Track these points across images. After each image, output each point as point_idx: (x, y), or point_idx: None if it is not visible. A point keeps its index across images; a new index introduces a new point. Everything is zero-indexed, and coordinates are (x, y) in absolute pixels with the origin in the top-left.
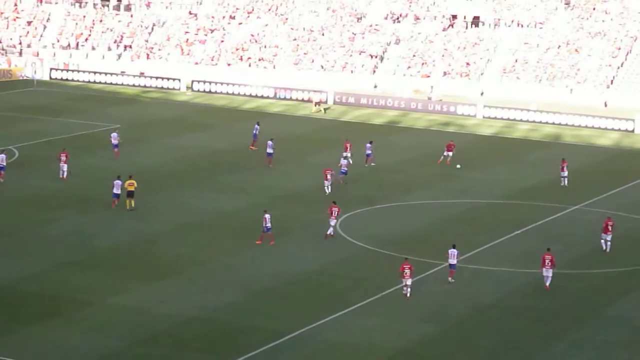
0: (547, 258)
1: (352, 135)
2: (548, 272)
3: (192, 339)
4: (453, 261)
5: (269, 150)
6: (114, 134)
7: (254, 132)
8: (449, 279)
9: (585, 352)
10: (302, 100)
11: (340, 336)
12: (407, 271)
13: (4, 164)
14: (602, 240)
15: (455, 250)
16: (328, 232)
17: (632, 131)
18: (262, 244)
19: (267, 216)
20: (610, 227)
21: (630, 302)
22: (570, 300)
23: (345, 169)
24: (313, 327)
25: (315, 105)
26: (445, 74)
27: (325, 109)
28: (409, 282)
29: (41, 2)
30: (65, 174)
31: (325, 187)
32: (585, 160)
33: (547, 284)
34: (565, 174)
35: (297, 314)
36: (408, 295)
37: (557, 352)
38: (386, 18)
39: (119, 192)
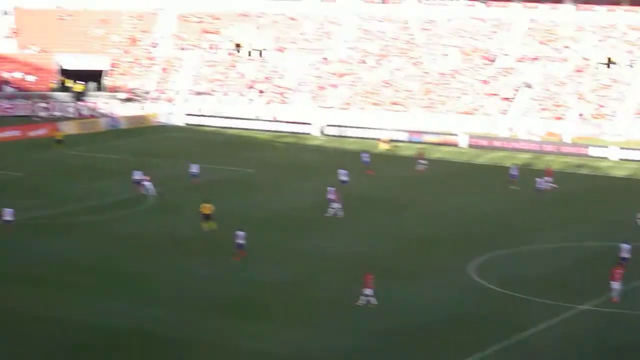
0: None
1: (486, 178)
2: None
3: None
4: (626, 255)
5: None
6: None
7: (365, 159)
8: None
9: None
10: (436, 143)
11: None
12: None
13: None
14: None
15: (628, 245)
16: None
17: None
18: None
19: (241, 233)
20: None
21: None
22: None
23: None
24: None
25: (385, 143)
26: (579, 115)
27: (395, 146)
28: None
29: (175, 49)
30: (152, 191)
31: (337, 210)
32: None
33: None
34: (543, 184)
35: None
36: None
37: None
38: (518, 60)
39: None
